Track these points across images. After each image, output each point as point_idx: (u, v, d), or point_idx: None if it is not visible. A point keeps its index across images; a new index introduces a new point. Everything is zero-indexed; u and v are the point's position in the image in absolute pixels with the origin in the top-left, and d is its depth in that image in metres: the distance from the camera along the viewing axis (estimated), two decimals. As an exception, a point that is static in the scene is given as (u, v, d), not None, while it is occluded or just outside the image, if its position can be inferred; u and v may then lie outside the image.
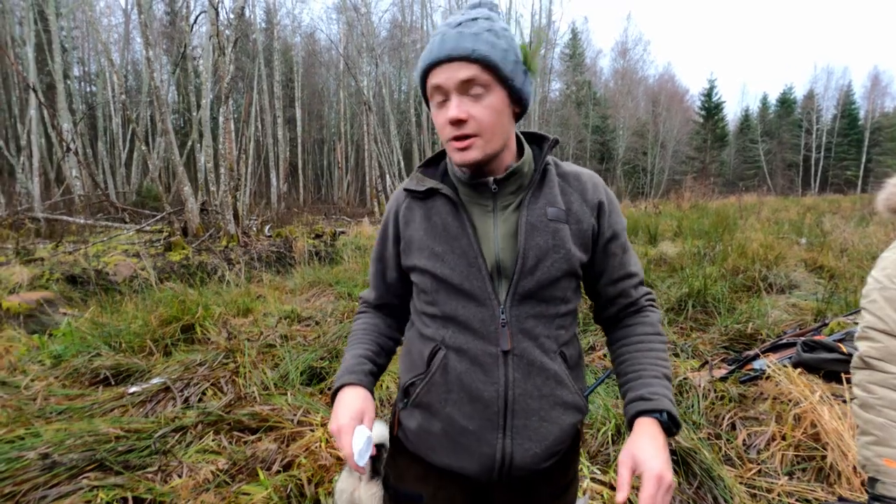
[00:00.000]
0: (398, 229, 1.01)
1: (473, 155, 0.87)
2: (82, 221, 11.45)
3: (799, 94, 47.76)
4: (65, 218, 11.82)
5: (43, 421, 2.46)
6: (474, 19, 0.85)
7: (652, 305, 1.04)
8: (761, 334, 3.91)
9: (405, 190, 1.01)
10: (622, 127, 39.04)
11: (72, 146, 14.72)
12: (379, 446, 1.18)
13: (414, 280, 1.00)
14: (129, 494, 1.78)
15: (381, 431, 0.90)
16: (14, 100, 21.47)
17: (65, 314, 4.68)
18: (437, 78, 0.85)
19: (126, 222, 12.73)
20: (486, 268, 0.90)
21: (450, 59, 0.83)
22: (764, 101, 49.68)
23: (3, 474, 1.84)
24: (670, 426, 0.87)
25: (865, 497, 1.15)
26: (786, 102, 47.15)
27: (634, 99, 41.71)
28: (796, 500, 2.06)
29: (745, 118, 49.79)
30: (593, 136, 38.03)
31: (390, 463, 1.09)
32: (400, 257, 1.02)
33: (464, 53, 0.82)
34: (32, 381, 3.01)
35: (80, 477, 1.83)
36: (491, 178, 0.92)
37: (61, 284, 6.27)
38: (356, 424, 0.89)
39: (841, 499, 1.85)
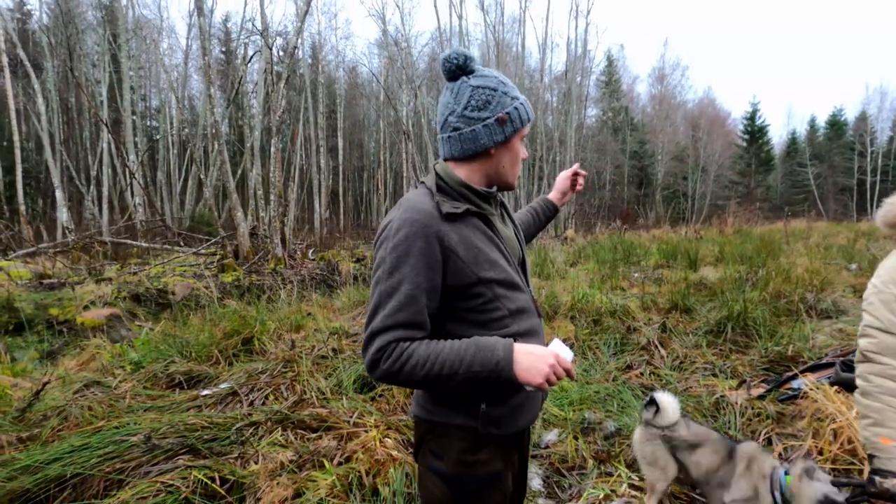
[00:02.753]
0: (446, 252, 1.05)
1: None
2: (144, 245, 12.33)
3: (850, 115, 45.73)
4: (128, 241, 12.78)
5: (133, 416, 2.80)
6: None
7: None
8: (803, 356, 3.88)
9: (445, 213, 1.07)
10: (661, 152, 38.53)
11: (136, 175, 15.95)
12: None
13: (477, 292, 1.08)
14: (216, 475, 2.06)
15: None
16: (86, 134, 23.50)
17: (141, 326, 5.15)
18: (527, 129, 1.20)
19: (181, 245, 13.61)
20: (515, 262, 1.21)
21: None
22: (812, 124, 47.84)
23: (111, 454, 2.15)
24: None
25: None
26: (836, 125, 45.28)
27: (673, 124, 41.14)
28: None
29: (792, 141, 48.04)
30: (631, 162, 37.72)
31: (466, 460, 1.12)
32: (448, 280, 1.06)
33: None
34: (120, 382, 3.39)
35: (176, 458, 2.13)
36: (494, 188, 1.23)
37: (128, 302, 6.85)
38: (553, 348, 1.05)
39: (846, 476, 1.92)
